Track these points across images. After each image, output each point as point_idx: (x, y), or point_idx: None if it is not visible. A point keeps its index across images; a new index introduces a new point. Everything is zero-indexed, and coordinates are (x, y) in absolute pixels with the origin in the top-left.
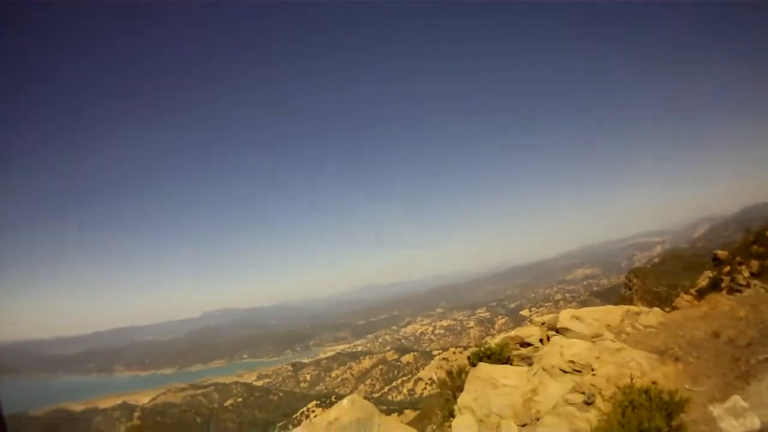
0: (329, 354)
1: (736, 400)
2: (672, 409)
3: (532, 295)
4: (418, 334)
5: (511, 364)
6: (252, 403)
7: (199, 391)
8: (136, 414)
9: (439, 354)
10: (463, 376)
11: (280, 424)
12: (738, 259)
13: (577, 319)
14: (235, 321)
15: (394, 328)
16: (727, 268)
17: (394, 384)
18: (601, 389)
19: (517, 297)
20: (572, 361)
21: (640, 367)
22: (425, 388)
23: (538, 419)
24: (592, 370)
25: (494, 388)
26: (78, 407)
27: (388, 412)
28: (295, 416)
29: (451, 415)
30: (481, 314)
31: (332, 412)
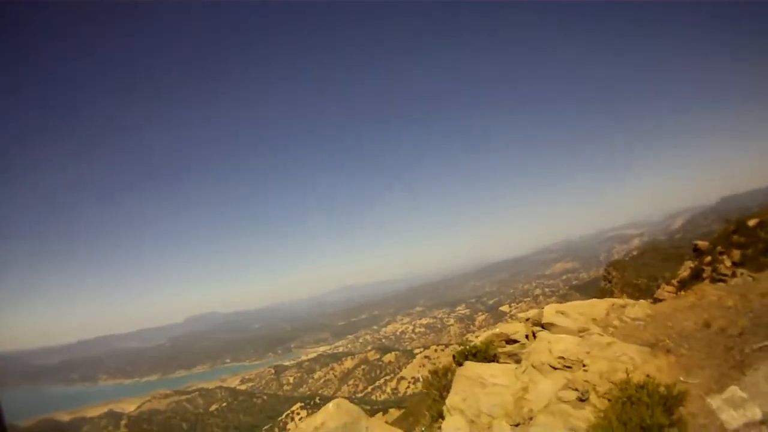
0: (311, 356)
1: (734, 390)
2: (671, 403)
3: (511, 290)
4: (398, 333)
5: (497, 362)
6: (236, 408)
7: (184, 397)
8: (123, 422)
9: (420, 352)
10: (449, 375)
11: (265, 427)
12: (719, 248)
13: (561, 313)
14: (217, 326)
15: (375, 327)
16: (708, 258)
17: (377, 383)
18: (594, 385)
19: (496, 293)
20: (562, 357)
21: (633, 361)
22: (408, 387)
23: (531, 418)
24: (584, 365)
25: (483, 387)
26: (65, 417)
27: (373, 412)
28: (279, 419)
29: (440, 416)
30: (460, 311)
31: (318, 417)
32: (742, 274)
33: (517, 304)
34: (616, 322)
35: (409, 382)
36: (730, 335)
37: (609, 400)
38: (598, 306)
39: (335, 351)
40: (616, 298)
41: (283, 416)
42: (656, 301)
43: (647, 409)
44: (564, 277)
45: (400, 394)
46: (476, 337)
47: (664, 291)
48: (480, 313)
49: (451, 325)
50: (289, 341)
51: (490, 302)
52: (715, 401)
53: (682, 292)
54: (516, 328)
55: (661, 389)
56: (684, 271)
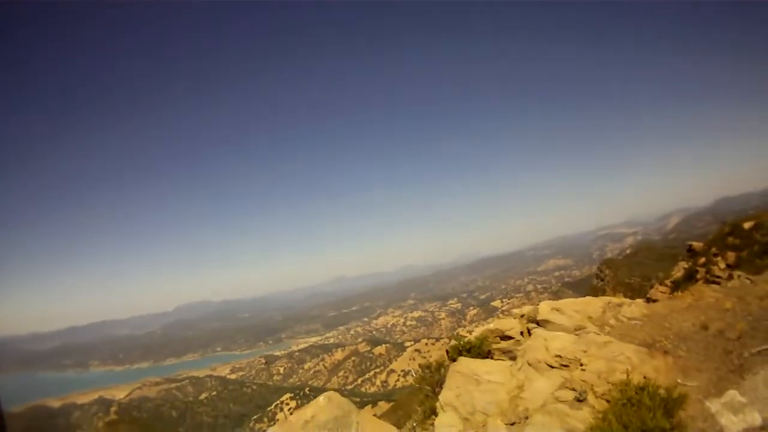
0: (302, 346)
1: (733, 395)
2: (671, 406)
3: (503, 286)
4: (389, 325)
5: (491, 358)
6: (226, 397)
7: (174, 385)
8: (113, 409)
9: (411, 345)
10: (443, 370)
11: (254, 417)
12: (714, 250)
13: (557, 310)
14: (208, 314)
15: (366, 319)
16: (703, 260)
17: (367, 376)
18: (592, 385)
19: (488, 288)
20: (559, 356)
21: (630, 362)
22: (398, 380)
23: (526, 418)
24: (581, 364)
25: (477, 384)
26: (56, 403)
27: (362, 405)
28: (269, 409)
29: (433, 412)
30: (452, 305)
31: (308, 410)
32: (739, 276)
33: (509, 299)
34: (612, 321)
35: (399, 375)
36: (728, 338)
37: (608, 401)
38: (594, 304)
39: (326, 342)
40: (610, 296)
41: (273, 406)
42: (649, 300)
43: (648, 411)
44: (556, 273)
45: (389, 387)
46: (468, 331)
47: (658, 291)
48: (471, 308)
49: (443, 318)
50: (280, 331)
51: (482, 297)
52: (714, 405)
53: (679, 293)
54: (511, 324)
55: (662, 391)
56: (678, 272)
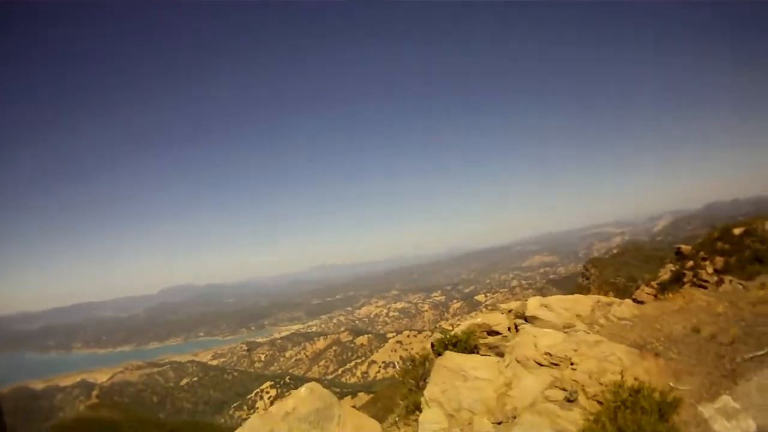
0: (284, 334)
1: (726, 400)
2: (665, 410)
3: (488, 280)
4: (372, 315)
5: (477, 354)
6: (207, 383)
7: (156, 370)
8: (95, 392)
9: (393, 337)
10: (427, 364)
11: (234, 404)
12: (702, 254)
13: (546, 307)
14: (192, 298)
15: (349, 309)
16: (691, 263)
17: (347, 366)
18: (583, 386)
19: (473, 281)
20: (548, 354)
21: (621, 362)
22: (379, 371)
23: (514, 417)
24: (572, 363)
25: (464, 380)
26: (39, 385)
27: (342, 395)
28: (249, 397)
29: (416, 407)
30: (436, 297)
31: (289, 401)
32: (731, 281)
33: (493, 294)
34: (602, 320)
35: (380, 367)
36: (720, 343)
37: (600, 402)
38: (583, 302)
39: (308, 330)
40: (600, 295)
41: (253, 394)
42: (635, 301)
43: (646, 416)
44: (541, 270)
45: (369, 379)
46: (450, 325)
47: (643, 292)
48: (455, 301)
49: (426, 311)
50: (263, 318)
51: (466, 290)
52: (707, 410)
53: (670, 295)
54: (498, 320)
55: (656, 395)
56: (664, 274)
